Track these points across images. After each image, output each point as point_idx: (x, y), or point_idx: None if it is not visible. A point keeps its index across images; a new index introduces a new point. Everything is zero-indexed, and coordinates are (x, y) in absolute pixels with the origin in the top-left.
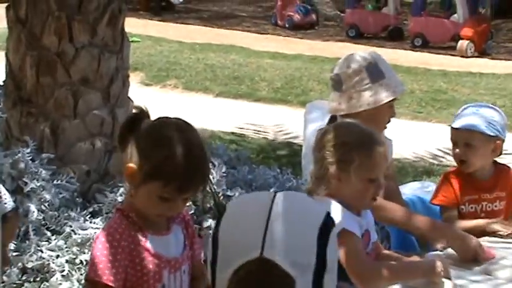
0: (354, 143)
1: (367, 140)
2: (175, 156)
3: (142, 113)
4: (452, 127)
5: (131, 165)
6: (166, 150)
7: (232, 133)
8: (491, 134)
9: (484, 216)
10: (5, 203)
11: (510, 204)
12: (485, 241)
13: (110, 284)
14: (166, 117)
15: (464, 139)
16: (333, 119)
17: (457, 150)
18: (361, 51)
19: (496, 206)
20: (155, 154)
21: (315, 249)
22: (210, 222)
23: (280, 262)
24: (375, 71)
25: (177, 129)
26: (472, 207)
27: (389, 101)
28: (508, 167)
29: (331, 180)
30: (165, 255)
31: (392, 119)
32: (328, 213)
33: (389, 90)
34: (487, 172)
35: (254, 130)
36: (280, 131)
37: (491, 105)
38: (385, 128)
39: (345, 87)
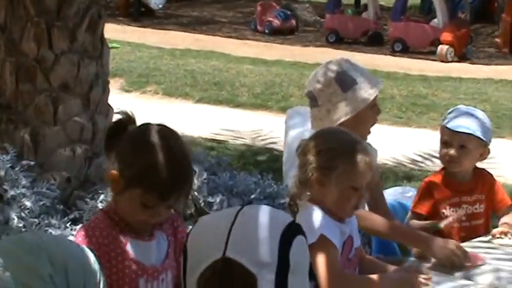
0: (338, 150)
1: (351, 148)
2: (157, 164)
3: (128, 118)
4: (448, 128)
5: (113, 171)
6: (148, 158)
7: (213, 139)
8: (485, 140)
9: (465, 220)
10: None
11: (489, 207)
12: (467, 246)
13: None
14: (150, 124)
15: (461, 141)
16: None
17: (451, 151)
18: (329, 62)
19: (476, 209)
20: (137, 161)
21: (277, 250)
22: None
23: (241, 260)
24: (344, 80)
25: (160, 137)
26: (453, 210)
27: (370, 102)
28: (487, 171)
29: (314, 186)
30: (143, 262)
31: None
32: (294, 221)
33: (365, 94)
34: (468, 175)
35: (234, 136)
36: (260, 136)
37: (481, 110)
38: (369, 132)
39: (320, 102)
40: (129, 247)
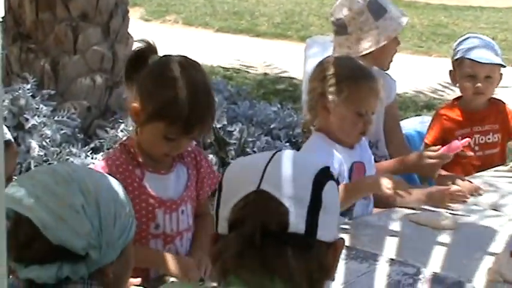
0: (343, 75)
1: (358, 73)
2: (179, 97)
3: (149, 48)
4: (472, 59)
5: (135, 104)
6: (170, 91)
7: (232, 68)
8: (503, 64)
9: (478, 149)
10: None
11: (505, 137)
12: (485, 176)
13: None
14: (171, 56)
15: (487, 72)
16: None
17: (478, 83)
18: None
19: (489, 139)
20: (159, 94)
21: (310, 188)
22: (211, 158)
23: (275, 193)
24: (377, 8)
25: (182, 69)
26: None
27: (397, 38)
28: (501, 100)
29: (320, 112)
30: (160, 195)
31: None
32: (328, 167)
33: (394, 24)
34: (483, 105)
35: (254, 65)
36: (280, 66)
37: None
38: (390, 62)
39: (350, 30)
40: (145, 181)
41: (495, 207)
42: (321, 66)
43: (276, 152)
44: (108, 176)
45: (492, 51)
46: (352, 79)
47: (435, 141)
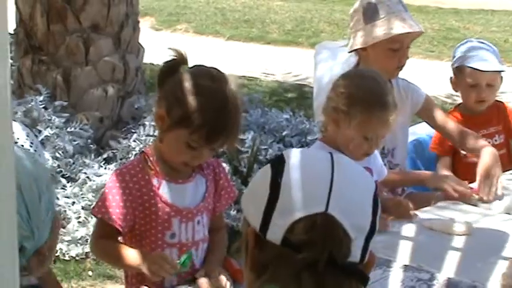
0: (359, 98)
1: (372, 101)
2: (206, 106)
3: (181, 58)
4: (474, 68)
5: (161, 110)
6: (198, 99)
7: (244, 76)
8: (503, 70)
9: None
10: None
11: (508, 136)
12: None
13: (111, 223)
14: (202, 66)
15: (488, 80)
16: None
17: (481, 92)
18: None
19: (496, 141)
20: (186, 102)
21: (370, 215)
22: (223, 166)
23: (342, 221)
24: (370, 12)
25: (211, 79)
26: None
27: (390, 43)
28: (500, 101)
29: (330, 124)
30: (176, 203)
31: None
32: (376, 183)
33: (379, 32)
34: (484, 108)
35: (265, 73)
36: (291, 73)
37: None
38: (395, 73)
39: (350, 25)
40: (162, 190)
41: (508, 211)
42: (343, 79)
43: (332, 158)
44: (18, 151)
45: (492, 57)
46: (365, 105)
47: (445, 152)
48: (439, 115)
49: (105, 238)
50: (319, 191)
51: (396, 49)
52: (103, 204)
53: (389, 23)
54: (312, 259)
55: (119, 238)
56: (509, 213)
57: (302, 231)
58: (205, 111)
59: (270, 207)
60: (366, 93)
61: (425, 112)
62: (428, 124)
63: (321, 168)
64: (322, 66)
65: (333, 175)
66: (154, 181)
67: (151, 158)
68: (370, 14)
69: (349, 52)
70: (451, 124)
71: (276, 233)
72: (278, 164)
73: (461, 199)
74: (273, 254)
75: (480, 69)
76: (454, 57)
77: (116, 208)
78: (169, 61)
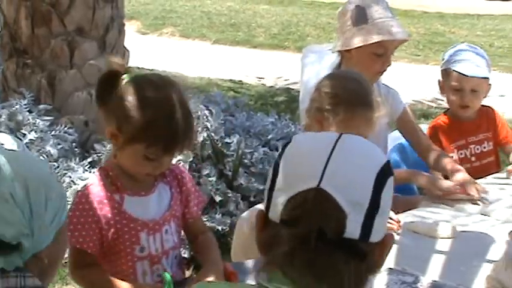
0: (343, 98)
1: (356, 100)
2: (157, 118)
3: (117, 69)
4: (459, 72)
5: (111, 128)
6: (147, 112)
7: (230, 80)
8: (488, 77)
9: (475, 160)
10: None
11: (496, 144)
12: (482, 183)
13: (78, 246)
14: (143, 75)
15: (473, 86)
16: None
17: (464, 97)
18: None
19: (484, 148)
20: (135, 116)
21: (370, 192)
22: (209, 170)
23: (335, 195)
24: (358, 15)
25: (156, 88)
26: (461, 153)
27: (375, 48)
28: (490, 107)
29: (313, 124)
30: (142, 217)
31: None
32: (388, 162)
33: (366, 36)
34: (473, 115)
35: (252, 77)
36: (278, 77)
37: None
38: (376, 78)
39: (337, 26)
40: (125, 206)
41: (484, 213)
42: (327, 79)
43: (338, 139)
44: (34, 156)
45: (482, 62)
46: (349, 105)
47: None
48: (413, 128)
49: (87, 267)
50: (315, 168)
51: (380, 54)
52: (69, 229)
53: (377, 28)
54: (302, 234)
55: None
56: (484, 214)
57: (294, 207)
58: (156, 125)
59: (271, 187)
60: (351, 94)
61: (400, 121)
62: (401, 133)
63: (321, 146)
64: (308, 69)
65: (332, 152)
66: (117, 197)
67: (111, 173)
68: (358, 17)
69: (333, 52)
70: (422, 138)
71: (275, 211)
72: (284, 146)
73: (448, 196)
74: (273, 233)
75: (465, 73)
76: (443, 59)
77: (82, 231)
78: (104, 75)
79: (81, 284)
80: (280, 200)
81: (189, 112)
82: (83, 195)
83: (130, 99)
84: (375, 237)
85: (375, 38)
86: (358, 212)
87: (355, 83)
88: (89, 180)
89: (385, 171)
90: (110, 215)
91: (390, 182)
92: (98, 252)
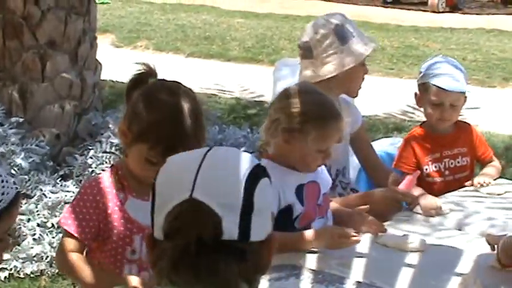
0: (311, 115)
1: (324, 114)
2: (163, 121)
3: (149, 71)
4: (440, 87)
5: (122, 124)
6: (155, 114)
7: (203, 93)
8: (466, 91)
9: (448, 174)
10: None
11: (473, 160)
12: (454, 196)
13: (76, 234)
14: (163, 80)
15: (452, 100)
16: None
17: (443, 111)
18: (329, 15)
19: (458, 162)
20: (144, 116)
21: (242, 193)
22: None
23: (207, 202)
24: (342, 33)
25: (170, 93)
26: (435, 167)
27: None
28: (468, 123)
29: (279, 143)
30: (140, 220)
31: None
32: (259, 164)
33: (361, 49)
34: (450, 128)
35: (225, 90)
36: (251, 90)
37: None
38: (360, 87)
39: (315, 53)
40: (127, 206)
41: (459, 227)
42: (287, 98)
43: (207, 151)
44: None
45: (460, 76)
46: (318, 121)
47: (409, 168)
48: (366, 145)
49: (71, 252)
50: (186, 180)
51: (363, 63)
52: (69, 216)
53: (360, 40)
54: (183, 245)
55: (84, 250)
56: (460, 229)
57: (172, 220)
58: (160, 127)
59: (152, 208)
60: (318, 108)
61: (356, 136)
62: (352, 149)
63: (191, 160)
64: (281, 83)
65: (201, 163)
66: (121, 195)
67: (119, 172)
68: (343, 35)
69: (329, 79)
70: (371, 156)
71: (158, 230)
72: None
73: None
74: (160, 251)
75: (445, 88)
76: (420, 72)
77: (82, 221)
78: (136, 75)
79: (60, 268)
80: (160, 219)
81: (197, 122)
82: (90, 186)
83: (143, 99)
84: (256, 236)
85: (368, 49)
86: (232, 214)
87: (317, 96)
88: (101, 174)
89: (256, 174)
90: (110, 211)
91: (263, 184)
92: (89, 242)
